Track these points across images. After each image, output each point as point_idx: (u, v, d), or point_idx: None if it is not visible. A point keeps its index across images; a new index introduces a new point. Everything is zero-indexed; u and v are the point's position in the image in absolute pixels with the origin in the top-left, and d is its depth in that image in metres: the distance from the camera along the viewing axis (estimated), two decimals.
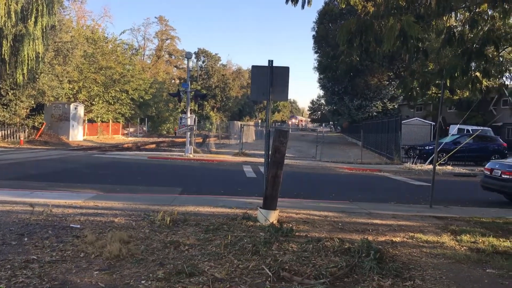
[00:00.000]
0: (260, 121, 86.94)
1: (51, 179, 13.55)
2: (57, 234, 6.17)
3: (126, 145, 34.53)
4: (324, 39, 45.57)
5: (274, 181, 7.39)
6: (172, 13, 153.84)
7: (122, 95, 44.21)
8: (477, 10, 8.05)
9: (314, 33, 49.66)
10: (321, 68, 48.03)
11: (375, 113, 45.56)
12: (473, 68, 8.57)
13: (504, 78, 9.95)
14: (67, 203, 8.66)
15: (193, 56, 76.63)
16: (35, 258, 5.11)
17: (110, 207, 8.56)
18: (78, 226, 6.71)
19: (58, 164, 18.12)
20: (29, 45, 26.60)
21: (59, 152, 24.56)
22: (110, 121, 44.62)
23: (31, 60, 27.00)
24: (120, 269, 4.88)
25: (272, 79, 8.80)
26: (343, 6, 9.13)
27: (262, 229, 6.79)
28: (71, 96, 38.54)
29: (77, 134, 36.15)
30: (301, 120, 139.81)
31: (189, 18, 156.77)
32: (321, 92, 65.65)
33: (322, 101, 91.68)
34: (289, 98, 9.65)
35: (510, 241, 7.08)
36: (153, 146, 36.13)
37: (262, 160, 18.12)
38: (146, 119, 55.01)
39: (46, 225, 6.65)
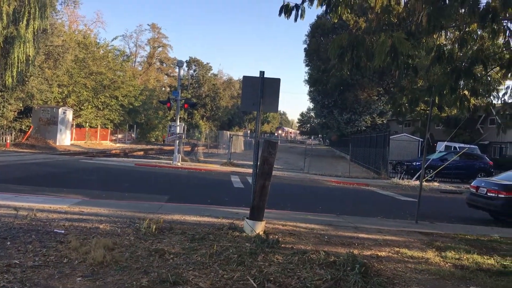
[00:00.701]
0: (249, 131, 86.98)
1: (37, 183, 13.40)
2: (40, 239, 6.09)
3: (113, 151, 34.28)
4: (315, 53, 45.92)
5: (262, 192, 7.38)
6: (165, 21, 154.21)
7: (112, 101, 43.99)
8: (466, 29, 8.19)
9: (305, 46, 50.12)
10: (312, 81, 48.35)
11: (364, 128, 45.86)
12: (461, 87, 8.69)
13: (491, 97, 10.07)
14: (52, 208, 8.56)
15: (185, 64, 77.03)
16: (17, 262, 5.03)
17: (96, 213, 8.48)
18: (62, 231, 6.63)
19: (44, 168, 17.93)
20: (19, 48, 26.40)
21: (46, 156, 24.31)
22: (99, 126, 44.34)
23: (21, 62, 26.78)
24: (103, 276, 4.82)
25: (263, 90, 8.82)
26: (336, 21, 9.22)
27: (248, 240, 6.77)
28: (60, 100, 38.25)
29: (65, 139, 35.83)
30: (290, 132, 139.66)
31: (181, 27, 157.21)
32: (311, 105, 66.02)
33: (312, 113, 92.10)
34: (279, 109, 9.68)
35: (494, 259, 7.14)
36: (141, 153, 35.91)
37: (250, 170, 18.11)
38: (135, 125, 54.76)
39: (30, 230, 6.56)
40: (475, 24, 7.91)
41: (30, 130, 32.92)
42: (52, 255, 5.39)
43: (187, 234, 6.95)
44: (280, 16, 7.42)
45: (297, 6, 7.41)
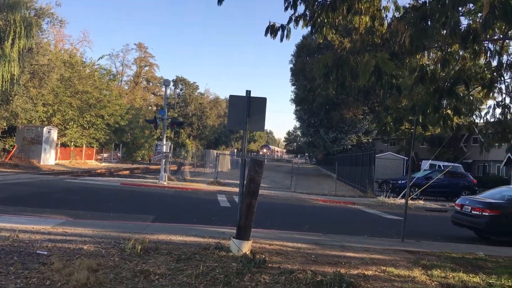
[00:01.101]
0: (236, 150, 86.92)
1: (19, 204, 13.17)
2: (22, 261, 5.97)
3: (99, 171, 33.95)
4: (301, 72, 46.36)
5: (248, 211, 7.36)
6: (151, 40, 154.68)
7: (98, 120, 43.71)
8: (449, 50, 8.38)
9: (291, 65, 50.61)
10: (298, 100, 48.72)
11: (349, 146, 46.15)
12: (444, 106, 8.85)
13: (474, 117, 10.25)
14: (35, 229, 8.41)
15: (171, 83, 77.04)
16: None
17: (80, 233, 8.35)
18: (45, 252, 6.51)
19: (27, 188, 17.66)
20: (4, 67, 26.20)
21: (29, 176, 23.97)
22: (84, 145, 43.95)
23: (5, 81, 26.55)
24: None
25: (249, 109, 8.87)
26: (321, 41, 9.35)
27: (234, 260, 6.72)
28: (45, 119, 37.91)
29: (49, 158, 35.40)
30: (277, 151, 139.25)
31: (168, 46, 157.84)
32: (297, 124, 66.25)
33: (298, 132, 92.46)
34: (265, 128, 9.72)
35: (479, 277, 7.17)
36: (127, 172, 35.62)
37: (236, 189, 18.05)
38: (121, 145, 54.39)
39: (12, 251, 6.43)
40: (457, 45, 8.09)
41: (14, 149, 32.50)
42: (35, 277, 5.28)
43: (173, 254, 6.88)
44: (266, 36, 7.55)
45: (283, 27, 7.54)
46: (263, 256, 7.16)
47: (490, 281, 6.99)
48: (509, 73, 9.32)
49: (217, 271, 6.01)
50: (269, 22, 7.49)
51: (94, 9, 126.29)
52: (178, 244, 7.85)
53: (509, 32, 8.19)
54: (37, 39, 31.59)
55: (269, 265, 6.68)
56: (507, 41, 8.86)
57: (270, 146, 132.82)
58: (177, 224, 10.71)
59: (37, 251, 6.54)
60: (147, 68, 79.90)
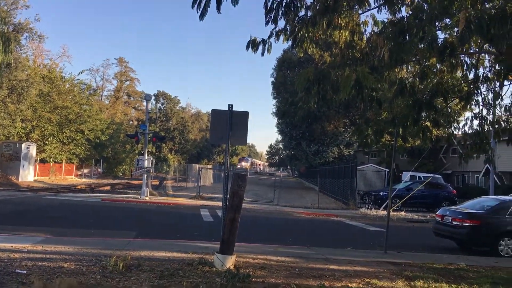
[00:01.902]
0: (218, 164, 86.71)
1: None
2: (1, 281, 5.82)
3: (79, 187, 33.46)
4: (282, 86, 46.66)
5: (232, 225, 7.33)
6: (132, 55, 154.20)
7: (78, 135, 43.19)
8: (426, 63, 8.55)
9: (273, 79, 50.87)
10: (280, 113, 48.94)
11: (331, 159, 46.41)
12: (423, 118, 8.99)
13: (452, 128, 10.43)
14: (14, 247, 8.23)
15: (153, 98, 76.76)
16: None
17: (60, 251, 8.19)
18: (25, 271, 6.36)
19: (5, 206, 17.27)
20: None
21: (7, 193, 23.47)
22: (64, 161, 43.32)
23: None
24: None
25: (231, 123, 8.88)
26: (301, 55, 9.45)
27: (218, 275, 6.67)
28: (23, 135, 37.31)
29: (28, 175, 34.77)
30: (259, 164, 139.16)
31: (149, 61, 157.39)
32: (280, 137, 66.50)
33: (280, 145, 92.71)
34: (247, 142, 9.74)
35: (461, 287, 7.24)
36: (108, 188, 35.17)
37: (219, 203, 17.94)
38: (102, 160, 53.79)
39: None
40: (434, 59, 8.27)
41: None
42: None
43: (155, 271, 6.79)
44: (247, 50, 7.60)
45: (263, 41, 7.61)
46: (247, 271, 7.12)
47: None
48: (485, 86, 9.55)
49: (201, 287, 5.96)
50: (250, 36, 7.57)
51: (73, 24, 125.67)
52: (161, 260, 7.76)
53: (485, 46, 8.41)
54: (16, 54, 31.26)
55: (253, 279, 6.65)
56: (482, 54, 9.10)
57: (249, 159, 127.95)
58: (159, 240, 10.59)
59: (16, 270, 6.39)
60: (128, 82, 79.53)
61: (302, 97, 8.09)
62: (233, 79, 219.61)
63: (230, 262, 7.28)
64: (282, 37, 7.68)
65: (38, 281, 5.62)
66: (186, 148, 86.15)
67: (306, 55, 8.94)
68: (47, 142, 40.14)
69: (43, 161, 40.09)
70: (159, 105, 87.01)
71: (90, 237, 10.48)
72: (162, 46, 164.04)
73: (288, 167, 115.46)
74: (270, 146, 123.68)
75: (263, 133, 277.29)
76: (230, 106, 8.99)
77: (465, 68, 8.90)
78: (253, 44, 7.59)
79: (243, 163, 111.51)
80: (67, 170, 44.74)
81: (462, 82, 9.38)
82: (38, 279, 5.78)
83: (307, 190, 44.05)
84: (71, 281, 5.68)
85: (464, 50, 8.19)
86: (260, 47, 7.62)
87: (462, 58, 8.75)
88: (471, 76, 9.04)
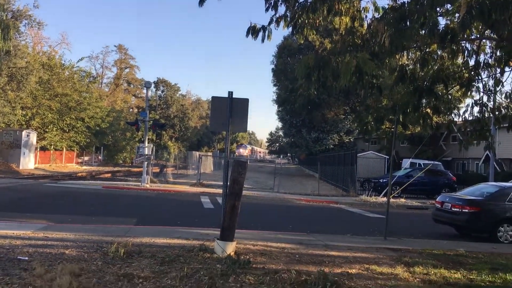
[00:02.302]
0: (218, 151, 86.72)
1: None
2: (3, 267, 5.87)
3: (80, 174, 33.54)
4: (282, 73, 46.50)
5: (232, 212, 7.36)
6: (132, 42, 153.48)
7: (78, 123, 43.16)
8: (427, 50, 8.50)
9: (273, 66, 50.70)
10: (280, 101, 48.87)
11: (331, 146, 46.44)
12: (424, 105, 8.97)
13: (453, 115, 10.40)
14: (15, 234, 8.28)
15: (153, 85, 76.50)
16: None
17: (61, 238, 8.24)
18: (26, 258, 6.41)
19: (6, 193, 17.34)
20: None
21: (8, 180, 23.53)
22: (64, 149, 43.36)
23: None
24: None
25: (231, 110, 8.87)
26: (302, 42, 9.42)
27: (219, 261, 6.71)
28: (23, 123, 37.29)
29: (28, 162, 34.83)
30: (259, 152, 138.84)
31: (149, 48, 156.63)
32: (280, 124, 66.42)
33: (281, 133, 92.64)
34: (248, 129, 9.74)
35: (460, 273, 7.30)
36: (109, 175, 35.25)
37: (220, 191, 17.99)
38: (102, 147, 53.81)
39: None
40: (435, 45, 8.22)
41: None
42: (16, 283, 5.19)
43: (156, 257, 6.84)
44: (247, 37, 7.56)
45: (264, 28, 7.56)
46: (248, 257, 7.17)
47: (471, 276, 7.12)
48: (486, 72, 9.50)
49: (202, 273, 6.00)
50: (250, 23, 7.53)
51: (72, 11, 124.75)
52: (162, 247, 7.80)
53: (486, 32, 8.36)
54: (15, 41, 31.11)
55: (254, 265, 6.69)
56: (483, 40, 9.03)
57: (247, 145, 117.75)
58: (160, 227, 10.65)
59: (18, 257, 6.43)
60: (127, 70, 79.24)
61: (302, 84, 8.06)
62: (234, 66, 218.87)
63: (231, 248, 7.32)
64: (282, 23, 7.63)
65: (40, 268, 5.65)
66: (186, 136, 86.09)
67: (307, 41, 8.90)
68: (47, 130, 40.14)
69: (43, 148, 40.13)
70: (159, 92, 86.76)
71: (91, 224, 10.53)
72: (162, 33, 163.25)
73: (288, 154, 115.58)
74: (271, 134, 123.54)
75: (263, 121, 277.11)
76: (230, 93, 8.97)
77: (466, 54, 8.84)
78: (253, 31, 7.55)
79: (241, 150, 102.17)
80: (67, 158, 44.79)
81: (463, 68, 9.33)
82: (40, 265, 5.82)
83: (307, 177, 44.15)
84: (73, 267, 5.72)
85: (465, 36, 8.13)
86: (260, 33, 7.58)
87: (463, 44, 8.69)
88: (472, 62, 9.00)
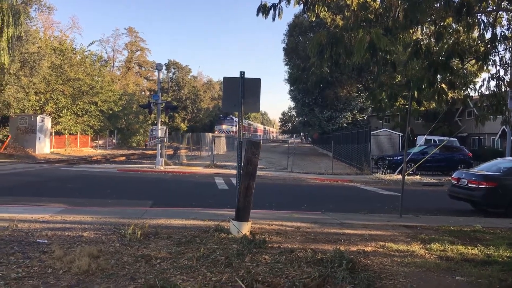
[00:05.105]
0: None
1: (17, 193, 13.16)
2: (23, 250, 5.97)
3: (95, 158, 33.88)
4: (294, 51, 46.10)
5: (247, 192, 7.37)
6: (142, 24, 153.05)
7: (91, 107, 43.45)
8: (442, 23, 8.31)
9: (284, 45, 50.21)
10: (292, 80, 48.56)
11: (345, 124, 46.21)
12: (439, 80, 8.81)
13: (468, 90, 10.22)
14: (34, 218, 8.41)
15: (164, 67, 76.29)
16: (0, 275, 4.92)
17: (79, 221, 8.36)
18: (45, 241, 6.51)
19: (24, 178, 17.61)
20: None
21: (25, 165, 23.89)
22: (78, 133, 43.77)
23: None
24: (89, 284, 4.75)
25: (243, 90, 8.80)
26: (313, 19, 9.27)
27: (234, 241, 6.75)
28: (37, 108, 37.65)
29: (44, 147, 35.27)
30: (272, 131, 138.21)
31: (159, 29, 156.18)
32: (292, 104, 66.00)
33: (293, 112, 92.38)
34: (260, 109, 9.67)
35: (477, 249, 7.25)
36: (123, 158, 35.57)
37: (233, 171, 18.06)
38: (116, 131, 54.20)
39: (12, 241, 6.43)
40: (450, 18, 8.03)
41: (8, 139, 32.31)
42: (36, 266, 5.28)
43: (173, 238, 6.90)
44: (258, 15, 7.45)
45: (274, 6, 7.44)
46: (263, 237, 7.20)
47: (488, 252, 7.07)
48: (502, 45, 9.28)
49: (218, 253, 6.04)
50: (261, 1, 7.40)
51: None
52: (178, 228, 7.87)
53: (502, 3, 8.13)
54: (26, 27, 31.14)
55: (269, 245, 6.72)
56: (500, 12, 8.80)
57: (234, 119, 68.20)
58: (176, 208, 10.73)
59: (37, 240, 6.54)
60: (138, 52, 79.18)
61: (314, 62, 7.95)
62: (245, 46, 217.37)
63: (246, 228, 7.36)
64: (293, 1, 7.50)
65: (59, 250, 5.74)
66: (199, 117, 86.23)
67: (318, 19, 8.76)
68: (61, 115, 40.49)
69: (58, 133, 40.55)
70: (170, 74, 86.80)
71: (107, 207, 10.66)
72: (172, 14, 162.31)
73: (301, 134, 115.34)
74: (283, 113, 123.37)
75: (276, 100, 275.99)
76: (242, 73, 8.89)
77: (482, 27, 8.62)
78: (263, 9, 7.44)
79: (224, 126, 68.69)
80: (82, 142, 45.24)
81: (479, 42, 9.11)
82: (59, 248, 5.91)
83: (320, 156, 44.07)
84: (91, 249, 5.79)
85: (481, 8, 7.93)
86: (271, 12, 7.46)
87: (478, 17, 8.48)
88: (488, 35, 8.79)
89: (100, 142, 50.30)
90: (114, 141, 54.50)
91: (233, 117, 67.89)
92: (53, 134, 38.96)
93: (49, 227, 7.56)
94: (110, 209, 10.13)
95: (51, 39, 44.53)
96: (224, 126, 68.01)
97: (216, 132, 58.74)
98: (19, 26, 27.74)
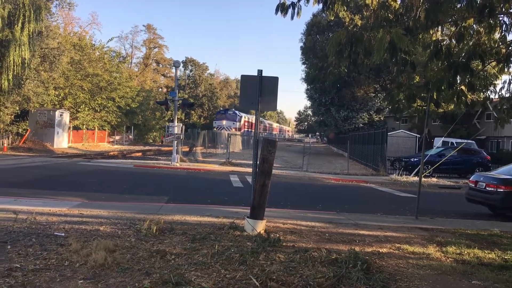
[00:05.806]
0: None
1: (35, 187, 13.36)
2: (41, 242, 6.07)
3: (111, 153, 34.21)
4: (311, 51, 45.91)
5: (262, 190, 7.37)
6: (160, 22, 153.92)
7: (109, 103, 43.91)
8: (463, 24, 8.20)
9: (302, 44, 50.00)
10: (309, 79, 48.33)
11: (361, 125, 45.91)
12: (458, 82, 8.70)
13: (488, 92, 10.08)
14: (52, 211, 8.53)
15: (181, 65, 76.60)
16: (18, 266, 5.01)
17: (96, 215, 8.46)
18: (63, 234, 6.61)
19: (42, 171, 17.88)
20: (15, 51, 26.31)
21: (44, 159, 24.25)
22: (96, 128, 44.26)
23: (16, 65, 26.69)
24: (105, 278, 4.81)
25: (261, 89, 8.81)
26: (332, 18, 9.23)
27: (249, 239, 6.76)
28: (56, 102, 38.17)
29: (62, 141, 35.76)
30: (287, 130, 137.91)
31: (177, 27, 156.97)
32: (308, 103, 65.72)
33: (309, 111, 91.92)
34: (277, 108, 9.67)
35: (495, 253, 7.15)
36: (139, 154, 35.84)
37: (248, 169, 18.09)
38: (132, 127, 54.68)
39: (30, 233, 6.54)
40: (472, 19, 7.92)
41: (27, 133, 32.83)
42: (53, 258, 5.37)
43: (188, 235, 6.94)
44: (276, 14, 7.43)
45: (293, 4, 7.42)
46: (278, 235, 7.20)
47: (505, 257, 6.96)
48: None
49: (233, 250, 6.06)
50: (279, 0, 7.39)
51: None
52: (193, 225, 7.92)
53: None
54: (46, 22, 31.59)
55: (284, 244, 6.72)
56: None
57: (237, 114, 58.89)
58: (191, 205, 10.79)
59: (55, 233, 6.64)
60: (156, 49, 79.72)
61: (332, 61, 7.93)
62: (262, 45, 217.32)
63: (261, 226, 7.37)
64: None
65: (76, 243, 5.82)
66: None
67: (336, 18, 8.74)
68: (79, 110, 41.02)
69: (76, 128, 41.07)
70: (187, 72, 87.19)
71: (124, 202, 10.76)
72: (190, 12, 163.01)
73: (317, 133, 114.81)
74: (299, 113, 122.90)
75: (292, 99, 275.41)
76: (260, 71, 8.90)
77: (503, 28, 8.49)
78: (282, 8, 7.42)
79: (224, 122, 56.61)
80: (99, 137, 45.74)
81: (500, 43, 8.98)
82: (76, 241, 5.99)
83: (336, 157, 43.87)
84: (107, 243, 5.86)
85: (504, 9, 7.80)
86: (290, 10, 7.43)
87: (501, 19, 8.35)
88: (510, 37, 8.68)
89: (117, 137, 50.79)
90: (130, 137, 54.98)
91: (236, 112, 58.78)
92: (71, 129, 39.47)
93: (67, 220, 7.67)
94: (126, 204, 10.23)
95: (71, 35, 45.11)
96: (224, 122, 56.47)
97: (214, 129, 50.33)
98: (40, 22, 28.16)
